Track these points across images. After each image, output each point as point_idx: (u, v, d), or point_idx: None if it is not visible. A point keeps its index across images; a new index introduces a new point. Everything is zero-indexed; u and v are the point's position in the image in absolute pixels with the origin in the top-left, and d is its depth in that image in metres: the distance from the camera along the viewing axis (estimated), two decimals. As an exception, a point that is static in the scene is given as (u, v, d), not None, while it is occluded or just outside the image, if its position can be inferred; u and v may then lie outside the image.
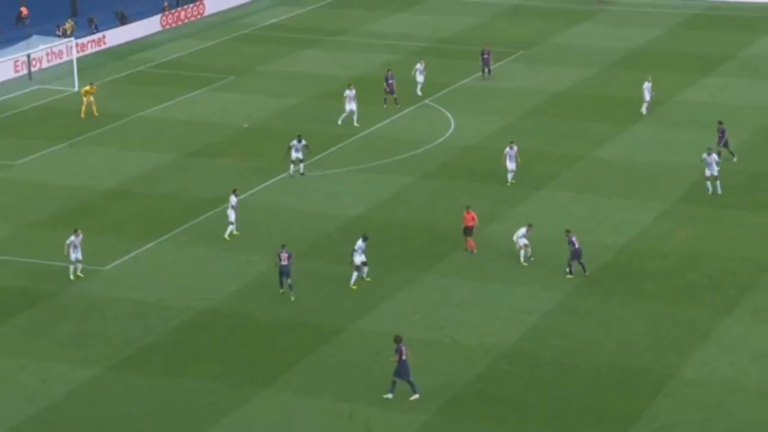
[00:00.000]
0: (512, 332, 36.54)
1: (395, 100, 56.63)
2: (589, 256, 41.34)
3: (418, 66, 58.83)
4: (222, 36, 70.41)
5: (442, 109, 57.57)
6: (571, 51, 67.16)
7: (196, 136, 53.73)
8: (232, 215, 42.43)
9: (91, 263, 40.81)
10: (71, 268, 39.39)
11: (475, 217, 41.87)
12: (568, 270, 39.65)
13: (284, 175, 48.89)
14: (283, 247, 38.14)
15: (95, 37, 67.71)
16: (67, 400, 32.87)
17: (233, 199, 42.42)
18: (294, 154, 48.15)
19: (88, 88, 56.47)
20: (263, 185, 47.99)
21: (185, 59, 65.77)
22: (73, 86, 60.11)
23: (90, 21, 70.08)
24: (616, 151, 51.61)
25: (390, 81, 56.75)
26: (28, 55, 61.74)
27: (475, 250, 41.69)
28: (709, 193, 46.19)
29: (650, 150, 51.60)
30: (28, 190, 47.53)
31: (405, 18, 74.21)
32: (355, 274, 39.26)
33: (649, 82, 56.15)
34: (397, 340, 32.96)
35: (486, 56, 61.23)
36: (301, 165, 48.39)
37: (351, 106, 54.35)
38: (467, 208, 42.13)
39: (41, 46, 61.68)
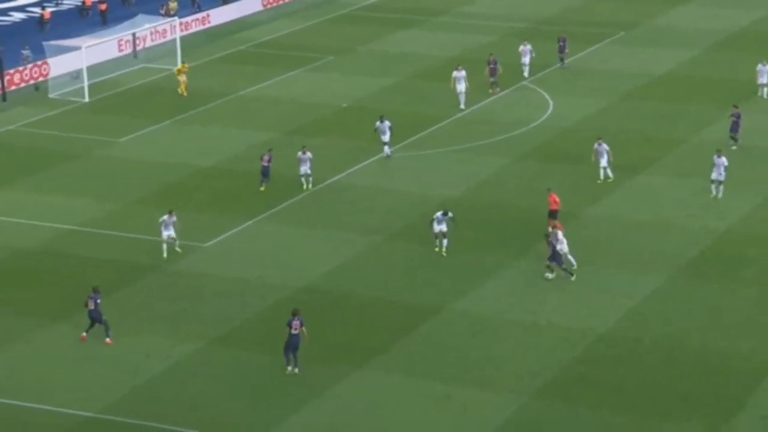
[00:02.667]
0: (610, 316, 35.84)
1: (492, 84, 55.75)
2: (690, 242, 40.37)
3: (523, 47, 57.80)
4: (322, 16, 70.33)
5: (541, 91, 56.75)
6: (672, 32, 65.75)
7: (295, 116, 53.74)
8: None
9: (191, 240, 41.05)
10: (164, 246, 39.52)
11: (558, 199, 41.03)
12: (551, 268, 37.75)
13: (381, 155, 48.61)
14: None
15: (198, 16, 68.17)
16: (168, 374, 33.09)
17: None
18: (382, 137, 47.56)
19: (180, 67, 56.78)
20: (361, 165, 47.79)
21: (285, 39, 65.85)
22: (176, 64, 60.54)
23: (193, 0, 70.55)
24: (717, 134, 50.30)
25: (492, 66, 55.81)
26: (134, 34, 62.37)
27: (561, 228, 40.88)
28: (711, 195, 43.63)
29: (753, 134, 50.16)
30: (131, 168, 48.01)
31: (503, -1, 73.37)
32: (445, 241, 38.87)
33: (764, 65, 54.47)
34: (295, 312, 32.36)
35: (562, 44, 59.16)
36: (386, 147, 47.57)
37: (460, 87, 53.68)
38: (549, 190, 41.35)
39: (146, 25, 62.26)
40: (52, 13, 68.65)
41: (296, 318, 32.71)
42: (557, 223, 39.26)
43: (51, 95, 56.76)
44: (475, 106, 54.51)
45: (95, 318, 34.46)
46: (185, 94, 56.03)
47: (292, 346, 32.62)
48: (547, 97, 55.91)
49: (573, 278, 37.79)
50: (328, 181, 46.24)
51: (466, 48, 62.85)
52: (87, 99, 56.12)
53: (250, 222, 42.70)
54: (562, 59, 58.99)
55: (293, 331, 32.58)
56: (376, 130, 47.86)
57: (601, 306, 36.53)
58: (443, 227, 39.43)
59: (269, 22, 69.09)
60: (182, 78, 56.27)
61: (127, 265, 39.36)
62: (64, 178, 46.87)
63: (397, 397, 32.03)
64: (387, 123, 47.74)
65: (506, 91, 56.56)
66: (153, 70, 59.41)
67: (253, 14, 70.64)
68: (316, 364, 33.38)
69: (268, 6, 72.09)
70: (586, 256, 39.74)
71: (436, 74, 56.62)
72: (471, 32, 66.31)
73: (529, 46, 57.78)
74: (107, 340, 34.44)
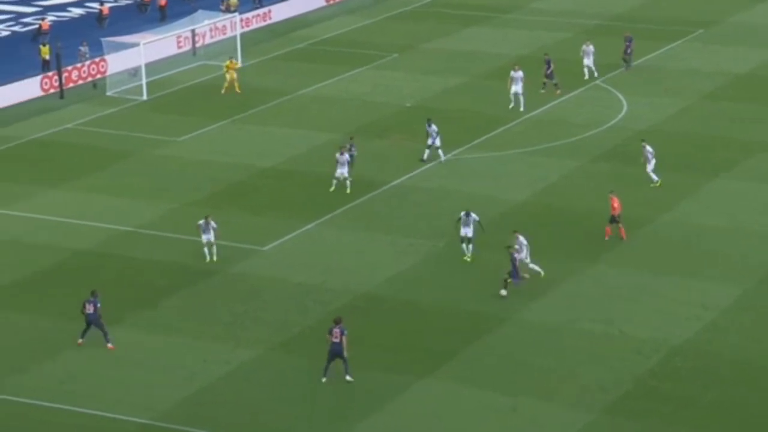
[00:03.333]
0: (687, 327, 35.47)
1: (555, 85, 55.44)
2: (771, 250, 39.89)
3: (585, 47, 57.39)
4: (385, 12, 70.45)
5: (614, 91, 56.35)
6: (753, 30, 64.97)
7: (357, 116, 53.88)
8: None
9: (250, 243, 41.34)
10: (205, 250, 39.71)
11: (619, 203, 40.58)
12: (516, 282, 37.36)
13: (447, 156, 48.57)
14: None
15: (259, 12, 68.62)
16: (226, 381, 33.33)
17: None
18: (429, 140, 47.41)
19: (228, 63, 57.13)
20: (426, 167, 47.76)
21: (347, 36, 66.06)
22: (237, 62, 60.94)
23: (253, -4, 71.04)
24: (802, 137, 49.63)
25: (547, 65, 55.45)
26: (193, 31, 62.91)
27: (624, 237, 40.50)
28: None
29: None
30: (189, 167, 48.45)
31: (575, -6, 72.96)
32: (470, 246, 38.87)
33: None
34: (337, 320, 32.45)
35: (627, 43, 58.16)
36: (439, 151, 47.36)
37: (516, 88, 53.53)
38: (611, 192, 40.98)
39: (206, 21, 62.75)
40: (111, 8, 69.47)
41: (337, 326, 32.69)
42: (518, 233, 38.42)
43: (108, 93, 57.48)
44: (546, 107, 54.28)
45: (93, 322, 34.50)
46: (238, 90, 56.22)
47: (332, 354, 32.61)
48: (620, 97, 55.51)
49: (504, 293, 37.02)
50: (392, 184, 46.29)
51: (536, 46, 62.59)
52: (145, 97, 56.75)
53: (310, 225, 42.88)
54: (626, 60, 58.31)
55: (334, 339, 32.59)
56: (428, 134, 47.77)
57: (676, 316, 36.18)
58: (469, 231, 39.26)
59: (331, 18, 69.36)
60: (231, 75, 56.53)
61: (184, 268, 39.73)
62: (121, 178, 47.43)
63: (460, 409, 31.97)
64: (434, 127, 47.57)
65: (578, 91, 56.24)
66: (212, 67, 59.90)
67: (315, 11, 70.94)
68: (378, 373, 33.43)
69: (331, 2, 72.37)
70: (660, 264, 39.40)
71: (504, 73, 56.46)
72: (541, 29, 66.04)
73: (591, 47, 57.21)
74: (109, 345, 34.59)
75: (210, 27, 63.97)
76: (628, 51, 58.12)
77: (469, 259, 39.47)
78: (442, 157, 47.67)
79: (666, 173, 46.68)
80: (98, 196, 45.61)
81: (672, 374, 33.22)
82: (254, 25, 67.39)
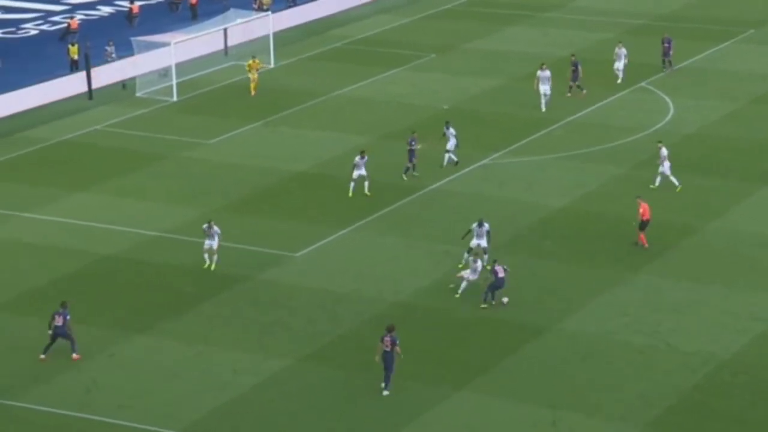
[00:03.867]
0: (736, 340, 35.08)
1: (579, 87, 55.03)
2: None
3: (618, 50, 56.81)
4: (423, 11, 70.32)
5: (660, 93, 55.94)
6: (806, 31, 64.33)
7: (393, 118, 53.77)
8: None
9: (281, 249, 41.30)
10: (205, 255, 39.59)
11: (648, 208, 40.20)
12: (484, 298, 36.97)
13: (484, 161, 48.35)
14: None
15: (293, 11, 68.64)
16: (256, 392, 33.27)
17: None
18: (448, 144, 47.24)
19: (251, 62, 57.08)
20: (463, 171, 47.57)
21: (383, 36, 65.98)
22: (269, 62, 61.08)
23: (287, -6, 71.06)
24: None
25: (573, 67, 55.06)
26: (225, 30, 63.00)
27: (645, 245, 40.11)
28: None
29: None
30: (219, 171, 48.49)
31: (620, -7, 72.58)
32: (486, 257, 38.48)
33: None
34: (390, 328, 32.36)
35: (666, 45, 57.59)
36: (450, 155, 47.14)
37: (544, 88, 53.22)
38: (638, 198, 40.70)
39: (238, 20, 62.81)
40: (141, 7, 69.76)
41: (389, 334, 32.61)
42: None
43: (138, 94, 57.67)
44: (588, 110, 53.95)
45: (61, 334, 34.24)
46: (253, 93, 56.18)
47: (384, 363, 32.54)
48: (667, 99, 55.09)
49: (484, 306, 36.74)
50: (428, 189, 46.14)
51: (578, 46, 62.24)
52: (175, 98, 56.91)
53: (344, 231, 42.79)
54: (668, 62, 57.72)
55: (385, 348, 32.53)
56: (444, 135, 47.56)
57: (725, 329, 35.79)
58: (483, 242, 38.92)
59: (367, 17, 69.31)
60: (253, 75, 56.50)
61: (213, 275, 39.72)
62: (150, 181, 47.54)
63: (498, 422, 31.74)
64: (452, 130, 47.32)
65: (621, 94, 55.89)
66: (244, 67, 59.92)
67: (351, 9, 70.92)
68: (413, 384, 33.26)
69: (367, 1, 72.29)
70: (707, 275, 39.01)
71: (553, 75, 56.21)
72: (584, 29, 65.70)
73: (624, 50, 56.70)
74: (74, 355, 34.50)
75: (242, 26, 64.03)
76: (670, 53, 57.58)
77: (488, 267, 38.80)
78: (454, 159, 47.23)
79: (714, 179, 46.28)
80: (126, 199, 45.73)
81: (720, 389, 32.84)
82: (288, 24, 67.40)
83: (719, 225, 42.56)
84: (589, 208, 44.07)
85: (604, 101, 55.02)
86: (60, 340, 34.63)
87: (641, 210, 40.52)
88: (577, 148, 49.67)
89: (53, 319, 34.57)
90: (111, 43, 59.86)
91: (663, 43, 58.10)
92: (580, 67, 55.10)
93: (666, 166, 44.78)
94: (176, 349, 35.36)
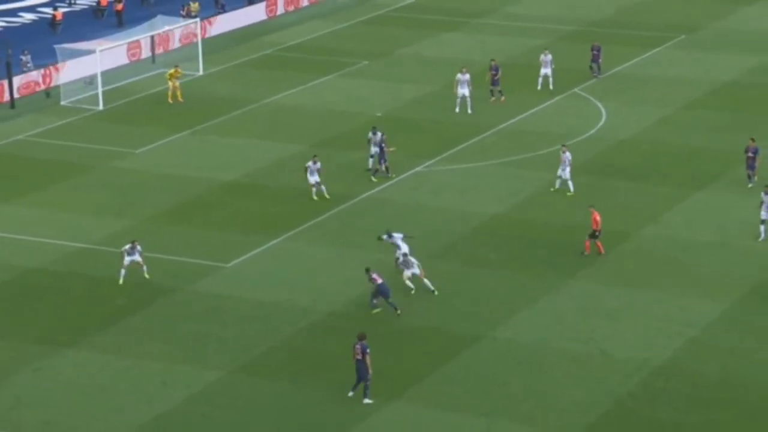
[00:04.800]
0: (669, 346, 35.75)
1: (500, 92, 55.78)
2: (757, 265, 40.21)
3: (543, 57, 57.60)
4: (355, 17, 70.71)
5: (593, 99, 56.77)
6: (738, 35, 65.58)
7: (326, 126, 54.04)
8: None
9: (212, 260, 41.38)
10: (122, 272, 39.65)
11: (599, 218, 40.95)
12: (373, 304, 37.89)
13: (418, 168, 48.78)
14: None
15: (222, 17, 68.67)
16: (187, 404, 33.33)
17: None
18: (372, 149, 47.65)
19: (172, 71, 57.15)
20: (396, 180, 47.93)
21: (315, 42, 66.25)
22: (198, 70, 61.07)
23: (216, 1, 71.08)
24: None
25: (494, 72, 55.82)
26: (152, 37, 62.89)
27: (602, 251, 40.95)
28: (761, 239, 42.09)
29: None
30: (147, 181, 48.44)
31: (552, -1, 73.56)
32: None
33: None
34: (361, 337, 32.91)
35: (596, 52, 58.45)
36: (371, 160, 47.63)
37: (463, 91, 53.85)
38: (590, 207, 41.40)
39: (165, 27, 62.72)
40: (65, 13, 69.39)
41: (359, 343, 33.07)
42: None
43: (63, 102, 57.39)
44: (521, 116, 54.62)
45: None
46: (181, 100, 56.28)
47: (358, 373, 32.96)
48: (600, 106, 55.92)
49: (399, 312, 37.37)
50: (361, 197, 46.46)
51: (513, 53, 62.97)
52: (101, 107, 56.72)
53: (276, 240, 42.96)
54: (596, 68, 58.36)
55: (357, 357, 32.99)
56: (369, 141, 47.97)
57: (658, 335, 36.44)
58: (405, 248, 39.48)
59: (298, 23, 69.54)
60: (174, 83, 56.54)
61: (142, 286, 39.70)
62: (76, 192, 47.36)
63: (434, 432, 32.10)
64: (380, 134, 47.77)
65: (554, 100, 56.64)
66: (165, 76, 59.78)
67: (281, 16, 71.11)
68: (347, 397, 33.49)
69: (298, 7, 72.51)
70: (641, 280, 39.69)
71: (479, 80, 56.83)
72: (518, 35, 66.44)
73: (549, 56, 57.52)
74: None
75: (170, 33, 63.94)
76: (599, 59, 58.34)
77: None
78: (371, 165, 47.68)
79: (647, 185, 47.06)
80: (52, 211, 45.51)
81: (654, 396, 33.45)
82: (217, 31, 67.43)
83: (653, 230, 43.32)
84: (523, 216, 44.65)
85: (537, 107, 55.73)
86: None
87: (595, 219, 40.97)
88: (510, 155, 50.27)
89: None
90: (26, 52, 59.38)
91: (592, 50, 58.89)
92: (500, 72, 55.83)
93: (567, 171, 45.62)
94: (105, 362, 35.31)
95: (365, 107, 56.27)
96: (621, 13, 70.55)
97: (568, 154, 45.97)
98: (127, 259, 39.77)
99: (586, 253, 41.16)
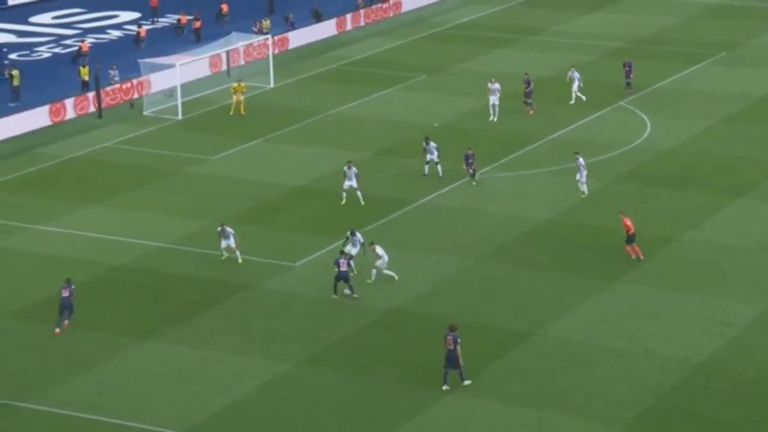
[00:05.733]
0: (710, 345, 35.22)
1: (529, 105, 55.25)
2: (793, 269, 39.61)
3: (571, 74, 56.92)
4: (414, 34, 70.54)
5: (638, 112, 56.18)
6: (775, 53, 64.64)
7: (387, 135, 53.92)
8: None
9: (281, 259, 41.39)
10: (223, 252, 40.73)
11: (630, 223, 40.45)
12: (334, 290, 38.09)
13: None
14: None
15: (292, 34, 68.86)
16: (259, 394, 33.36)
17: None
18: (428, 156, 47.41)
19: (236, 85, 57.20)
20: (452, 186, 47.70)
21: (377, 57, 66.17)
22: (269, 83, 61.24)
23: (286, 18, 71.31)
24: (823, 158, 49.28)
25: (526, 85, 55.36)
26: (227, 52, 63.17)
27: (641, 256, 40.34)
28: None
29: None
30: (222, 185, 48.59)
31: (599, 17, 72.87)
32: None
33: None
34: (452, 328, 33.01)
35: (627, 68, 57.67)
36: (438, 167, 47.36)
37: (493, 99, 53.66)
38: (621, 214, 40.94)
39: (240, 43, 63.01)
40: (148, 30, 69.91)
41: (451, 333, 33.05)
42: (372, 242, 39.45)
43: (145, 113, 57.78)
44: (570, 127, 54.16)
45: (68, 305, 36.45)
46: (243, 114, 56.31)
47: (447, 362, 32.92)
48: (645, 118, 55.32)
49: (356, 296, 37.71)
50: (420, 202, 46.27)
51: (562, 68, 62.50)
52: (180, 116, 57.02)
53: (340, 242, 42.84)
54: (628, 84, 57.75)
55: (448, 347, 32.94)
56: (424, 150, 47.69)
57: (700, 334, 35.93)
58: (353, 250, 39.57)
59: (362, 40, 69.50)
60: (238, 97, 56.59)
61: (217, 283, 39.81)
62: (157, 196, 47.63)
63: (487, 423, 31.84)
64: (433, 144, 47.49)
65: (601, 112, 56.11)
66: (247, 87, 60.01)
67: (347, 32, 71.12)
68: (406, 388, 33.36)
69: (361, 24, 72.55)
70: (684, 283, 39.17)
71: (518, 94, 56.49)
72: (567, 52, 65.92)
73: (577, 73, 56.90)
74: (66, 322, 36.48)
75: (243, 48, 64.22)
76: (630, 75, 57.43)
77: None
78: (440, 173, 47.41)
79: (689, 192, 46.49)
80: (135, 213, 45.80)
81: (695, 393, 32.96)
82: (287, 47, 67.60)
83: (695, 236, 42.73)
84: (571, 220, 44.22)
85: (585, 119, 55.23)
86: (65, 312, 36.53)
87: (627, 224, 40.59)
88: (560, 164, 49.85)
89: (60, 293, 36.62)
90: (114, 67, 59.86)
91: (624, 66, 58.08)
92: (532, 85, 55.38)
93: (583, 174, 45.51)
94: (183, 354, 35.43)
95: (424, 118, 56.06)
96: (664, 31, 69.77)
97: (581, 159, 45.70)
98: (223, 243, 40.34)
99: (639, 257, 40.21)
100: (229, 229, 40.85)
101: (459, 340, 33.04)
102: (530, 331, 36.34)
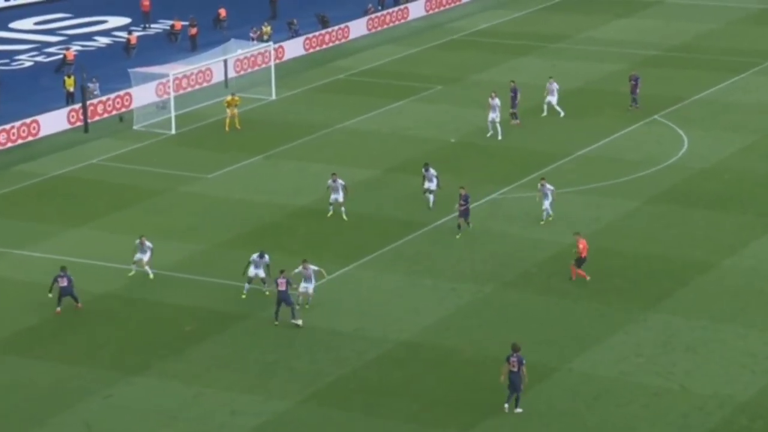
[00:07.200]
0: (753, 382, 34.94)
1: (514, 115, 55.28)
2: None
3: (549, 85, 56.80)
4: (428, 42, 70.58)
5: (674, 126, 56.03)
6: (823, 61, 64.48)
7: (398, 151, 53.84)
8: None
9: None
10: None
11: (586, 245, 40.63)
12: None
13: (493, 195, 48.38)
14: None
15: (294, 41, 68.87)
16: (255, 434, 33.18)
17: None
18: (426, 184, 47.08)
19: (230, 98, 57.22)
20: (471, 206, 47.44)
21: (388, 67, 66.20)
22: (271, 94, 61.27)
23: (290, 24, 71.35)
24: None
25: (512, 94, 55.38)
26: (225, 61, 63.18)
27: (587, 278, 40.55)
28: None
29: None
30: (219, 206, 48.53)
31: (629, 24, 72.89)
32: (246, 286, 39.90)
33: None
34: (515, 348, 33.46)
35: (633, 82, 57.03)
36: (431, 197, 46.81)
37: (493, 115, 53.61)
38: (576, 235, 41.15)
39: (239, 51, 62.99)
40: (139, 38, 70.05)
41: (515, 354, 33.41)
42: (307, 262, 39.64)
43: (136, 127, 57.82)
44: (600, 143, 54.03)
45: (69, 293, 39.29)
46: (238, 128, 56.32)
47: (511, 384, 33.31)
48: (681, 133, 55.16)
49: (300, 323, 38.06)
50: (434, 224, 46.13)
51: (588, 77, 62.41)
52: (174, 131, 57.04)
53: (348, 267, 42.74)
54: (634, 99, 57.11)
55: (512, 369, 33.33)
56: (424, 177, 47.38)
57: (742, 370, 35.66)
58: (261, 272, 39.91)
59: (372, 48, 69.56)
60: (232, 111, 56.58)
61: (213, 313, 39.68)
62: (148, 217, 47.57)
63: (508, 467, 31.60)
64: (432, 171, 47.22)
65: (634, 126, 55.97)
66: (245, 99, 60.07)
67: (355, 40, 71.17)
68: (419, 428, 33.11)
69: (370, 31, 72.59)
70: (724, 313, 38.91)
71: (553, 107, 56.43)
72: (593, 60, 65.86)
73: (555, 84, 56.79)
74: (79, 304, 39.62)
75: (243, 57, 64.24)
76: (636, 90, 56.95)
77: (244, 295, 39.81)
78: (431, 204, 46.91)
79: (730, 214, 46.28)
80: (122, 235, 45.70)
81: (736, 433, 32.71)
82: (290, 55, 67.63)
83: (735, 261, 42.49)
84: (600, 244, 43.99)
85: (617, 134, 55.09)
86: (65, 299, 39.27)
87: (581, 246, 40.54)
88: (588, 183, 49.69)
89: (56, 281, 39.42)
90: (95, 80, 59.88)
91: (630, 80, 57.57)
92: (518, 95, 55.30)
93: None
94: (174, 389, 35.27)
95: (439, 132, 56.00)
96: (701, 38, 69.68)
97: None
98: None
99: (583, 278, 40.48)
100: (148, 243, 41.49)
101: (524, 362, 33.31)
102: (555, 365, 36.10)
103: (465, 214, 44.47)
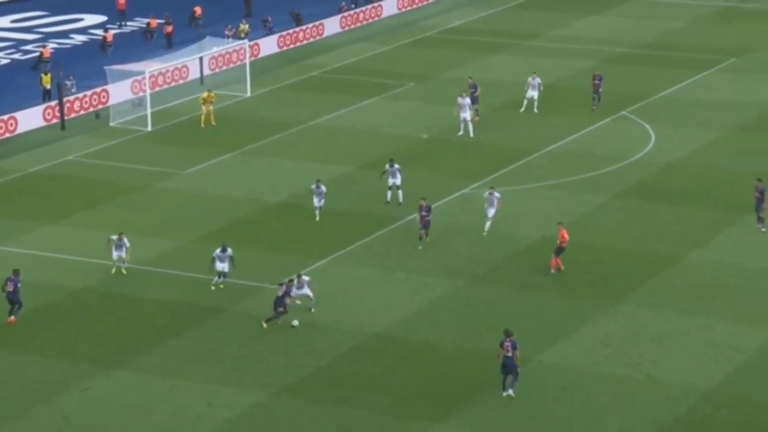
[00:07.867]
0: (717, 371, 35.33)
1: (476, 111, 55.45)
2: (805, 290, 39.75)
3: (531, 80, 57.13)
4: (401, 40, 70.78)
5: (641, 122, 56.42)
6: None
7: (372, 147, 54.03)
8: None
9: (257, 281, 41.40)
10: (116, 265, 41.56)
11: (567, 236, 40.92)
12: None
13: (464, 190, 48.65)
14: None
15: (269, 39, 68.93)
16: (231, 427, 33.31)
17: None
18: (390, 180, 47.30)
19: (205, 95, 57.30)
20: (441, 201, 47.77)
21: (362, 64, 66.35)
22: (246, 91, 61.35)
23: (264, 22, 71.39)
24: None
25: (473, 90, 55.59)
26: (200, 59, 63.22)
27: (561, 267, 40.86)
28: None
29: None
30: (195, 202, 48.61)
31: (600, 21, 73.27)
32: (216, 279, 40.44)
33: None
34: (508, 333, 33.70)
35: (597, 81, 57.02)
36: (399, 192, 47.06)
37: (464, 114, 53.74)
38: (559, 224, 41.38)
39: (214, 49, 63.03)
40: (115, 35, 69.97)
41: (508, 339, 33.57)
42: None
43: (112, 123, 57.81)
44: (569, 138, 54.37)
45: (16, 300, 38.25)
46: (214, 125, 56.42)
47: (505, 369, 33.56)
48: (648, 129, 55.55)
49: (296, 323, 37.96)
50: (407, 219, 46.36)
51: (559, 74, 62.75)
52: (150, 128, 57.07)
53: (322, 262, 42.94)
54: (596, 99, 56.97)
55: (506, 354, 33.48)
56: (384, 172, 47.49)
57: (706, 360, 36.04)
58: (225, 266, 40.17)
59: (345, 45, 69.69)
60: (207, 108, 56.65)
61: (188, 307, 39.80)
62: (124, 213, 47.61)
63: (478, 457, 31.87)
64: (397, 166, 47.44)
65: (602, 123, 56.33)
66: (220, 97, 60.14)
67: (329, 37, 71.29)
68: (393, 419, 33.35)
69: (344, 29, 72.73)
70: (689, 305, 39.30)
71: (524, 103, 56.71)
72: (565, 57, 66.20)
73: (538, 79, 57.07)
74: (12, 318, 38.32)
75: (218, 55, 64.26)
76: (599, 89, 56.96)
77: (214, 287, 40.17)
78: (389, 197, 47.17)
79: (695, 209, 46.66)
80: (99, 231, 45.71)
81: (702, 423, 33.05)
82: (265, 53, 67.71)
83: (701, 255, 42.89)
84: (571, 238, 44.20)
85: (585, 130, 55.44)
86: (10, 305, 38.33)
87: (563, 235, 40.83)
88: (557, 178, 50.01)
89: (6, 284, 38.41)
90: (71, 77, 59.79)
91: (594, 79, 57.54)
92: (478, 90, 55.57)
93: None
94: (151, 383, 35.38)
95: (411, 129, 56.22)
96: (668, 35, 70.10)
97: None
98: (115, 254, 41.20)
99: (560, 269, 40.78)
100: (126, 241, 41.63)
101: (518, 346, 33.54)
102: (525, 357, 36.37)
103: (426, 225, 43.69)
